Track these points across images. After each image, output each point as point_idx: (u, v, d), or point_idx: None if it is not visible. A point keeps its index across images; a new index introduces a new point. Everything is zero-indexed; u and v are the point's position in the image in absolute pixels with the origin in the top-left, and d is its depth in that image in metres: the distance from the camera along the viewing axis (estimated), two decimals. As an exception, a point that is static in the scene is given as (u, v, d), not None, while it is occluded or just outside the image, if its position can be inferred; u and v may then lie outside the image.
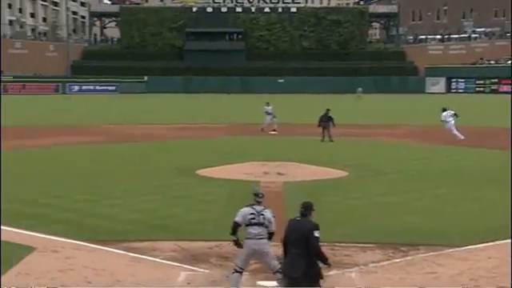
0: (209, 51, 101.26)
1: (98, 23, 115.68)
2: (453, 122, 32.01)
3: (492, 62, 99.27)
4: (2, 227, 13.20)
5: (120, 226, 13.87)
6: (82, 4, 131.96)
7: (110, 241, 12.60)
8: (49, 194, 17.38)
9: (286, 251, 8.83)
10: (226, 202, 15.91)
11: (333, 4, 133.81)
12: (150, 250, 12.04)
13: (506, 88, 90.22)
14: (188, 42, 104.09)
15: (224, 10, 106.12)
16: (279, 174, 20.68)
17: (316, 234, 8.52)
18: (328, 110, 31.93)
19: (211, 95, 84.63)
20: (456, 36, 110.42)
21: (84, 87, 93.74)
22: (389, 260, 11.49)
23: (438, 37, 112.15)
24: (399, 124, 41.55)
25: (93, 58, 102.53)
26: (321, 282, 8.67)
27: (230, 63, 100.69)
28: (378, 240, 12.62)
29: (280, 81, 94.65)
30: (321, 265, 8.67)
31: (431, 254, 11.74)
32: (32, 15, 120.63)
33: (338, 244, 12.18)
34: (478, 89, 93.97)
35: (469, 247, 12.13)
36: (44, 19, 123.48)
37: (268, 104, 37.37)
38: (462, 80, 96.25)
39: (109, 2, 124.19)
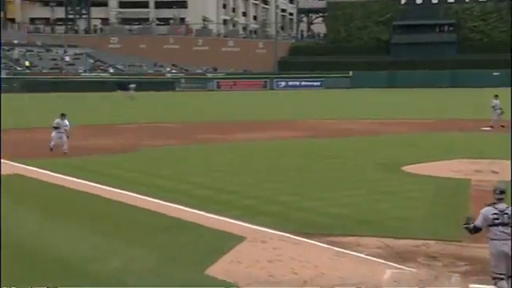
0: (417, 44, 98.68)
1: (305, 19, 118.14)
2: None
3: None
4: (216, 216, 14.07)
5: (324, 220, 14.03)
6: (291, 1, 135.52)
7: (315, 234, 12.81)
8: (258, 186, 18.09)
9: None
10: (431, 200, 15.46)
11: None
12: (355, 246, 12.04)
13: None
14: (395, 36, 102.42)
15: (434, 1, 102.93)
16: (493, 172, 19.48)
17: None
18: None
19: (417, 90, 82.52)
20: None
21: (290, 83, 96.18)
22: None
23: None
24: None
25: (299, 54, 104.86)
26: None
27: (439, 56, 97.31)
28: None
29: (495, 74, 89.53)
30: None
31: None
32: (244, 14, 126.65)
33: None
34: None
35: None
36: (254, 17, 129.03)
37: (496, 97, 35.26)
38: None
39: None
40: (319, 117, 43.70)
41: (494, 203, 8.89)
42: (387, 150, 25.95)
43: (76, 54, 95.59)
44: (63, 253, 11.53)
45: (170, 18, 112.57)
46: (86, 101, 62.63)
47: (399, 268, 10.72)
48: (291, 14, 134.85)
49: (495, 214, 8.79)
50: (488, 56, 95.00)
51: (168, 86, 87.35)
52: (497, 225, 8.75)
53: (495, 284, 8.81)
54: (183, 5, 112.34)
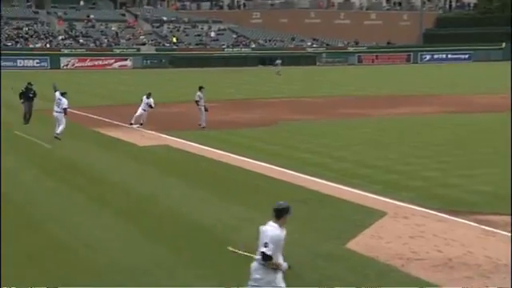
0: None
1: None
2: None
3: None
4: (356, 191, 13.91)
5: (470, 197, 13.53)
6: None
7: (460, 211, 12.34)
8: (402, 161, 17.70)
9: None
10: None
11: None
12: (504, 225, 11.47)
13: None
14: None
15: None
16: None
17: None
18: None
19: None
20: None
21: (436, 56, 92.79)
22: None
23: None
24: None
25: (446, 26, 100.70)
26: None
27: None
28: None
29: None
30: None
31: None
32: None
33: None
34: None
35: None
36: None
37: None
38: None
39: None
40: (467, 91, 41.89)
41: None
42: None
43: (220, 30, 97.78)
44: (207, 221, 11.87)
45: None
46: (231, 77, 64.01)
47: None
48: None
49: None
50: None
51: (309, 60, 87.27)
52: None
53: None
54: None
